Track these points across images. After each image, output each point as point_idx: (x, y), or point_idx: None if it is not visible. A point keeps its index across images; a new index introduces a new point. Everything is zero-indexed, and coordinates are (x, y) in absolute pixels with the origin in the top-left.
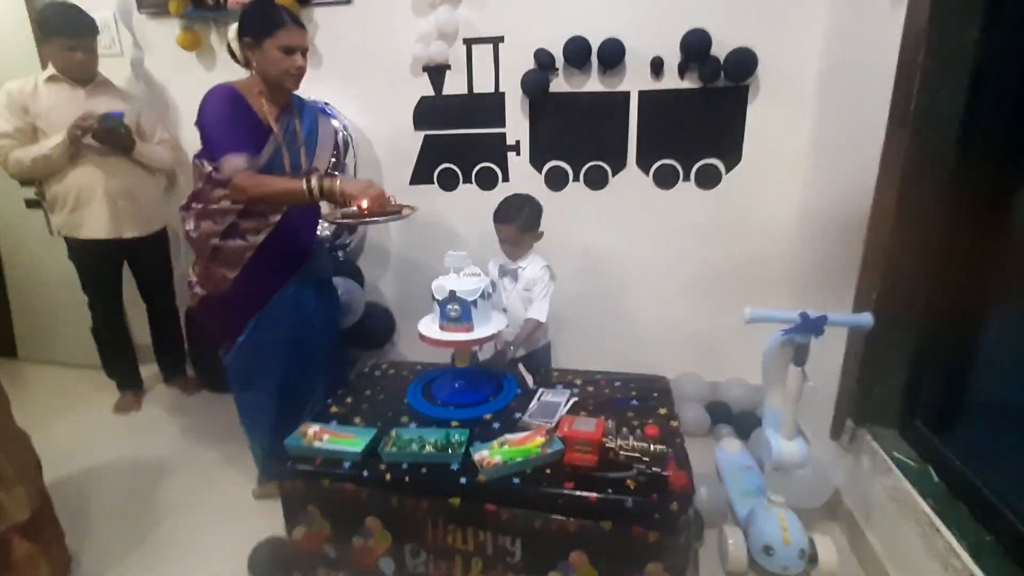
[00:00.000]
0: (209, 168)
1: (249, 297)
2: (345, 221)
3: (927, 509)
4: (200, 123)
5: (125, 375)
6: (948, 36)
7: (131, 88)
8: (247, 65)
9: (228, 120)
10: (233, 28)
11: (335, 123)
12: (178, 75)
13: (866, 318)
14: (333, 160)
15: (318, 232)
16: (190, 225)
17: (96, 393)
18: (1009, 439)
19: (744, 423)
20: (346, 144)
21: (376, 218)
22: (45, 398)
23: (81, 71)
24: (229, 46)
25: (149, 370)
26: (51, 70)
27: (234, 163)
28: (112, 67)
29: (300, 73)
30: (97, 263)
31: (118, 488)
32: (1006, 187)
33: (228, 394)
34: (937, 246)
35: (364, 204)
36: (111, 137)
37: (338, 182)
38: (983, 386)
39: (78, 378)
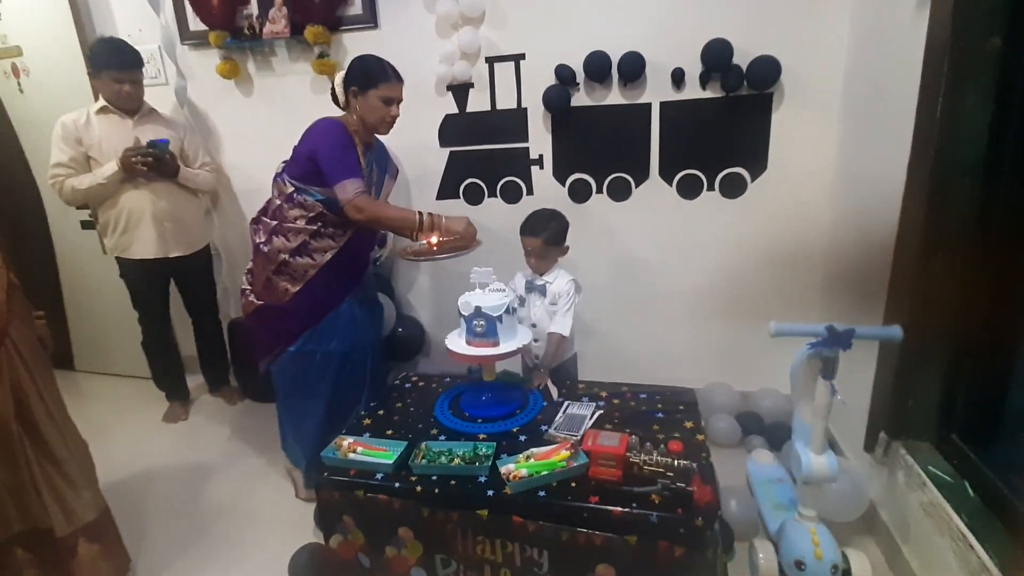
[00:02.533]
0: (291, 188)
1: (306, 310)
2: (418, 259)
3: (961, 525)
4: (310, 148)
5: (173, 386)
6: (972, 44)
7: (175, 115)
8: (346, 107)
9: (344, 148)
10: (340, 75)
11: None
12: (218, 102)
13: (895, 331)
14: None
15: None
16: (261, 238)
17: (147, 403)
18: None
19: (776, 434)
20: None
21: (446, 254)
22: (99, 408)
23: (128, 101)
24: (333, 89)
25: (195, 381)
26: (101, 102)
27: (355, 186)
28: (158, 96)
29: (394, 121)
30: (146, 281)
31: (168, 494)
32: None
33: (269, 403)
34: (970, 255)
35: (434, 240)
36: (158, 164)
37: (444, 219)
38: (1021, 397)
39: (130, 388)
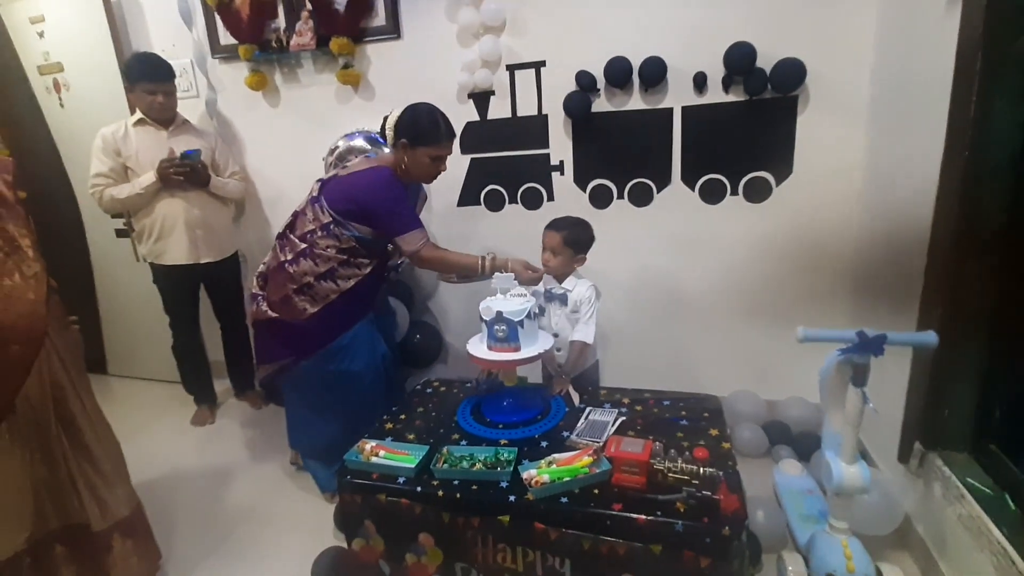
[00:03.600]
0: (330, 218)
1: (321, 330)
2: (461, 282)
3: (1002, 539)
4: (366, 200)
5: (201, 390)
6: (1005, 43)
7: (206, 126)
8: (393, 147)
9: (402, 200)
10: (394, 115)
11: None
12: (246, 113)
13: (930, 336)
14: None
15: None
16: (287, 256)
17: (176, 406)
18: None
19: (804, 444)
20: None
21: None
22: (130, 411)
23: (162, 112)
24: (384, 127)
25: (221, 385)
26: (138, 114)
27: (420, 237)
28: (190, 108)
29: (438, 174)
30: (178, 286)
31: (197, 496)
32: None
33: None
34: (1007, 258)
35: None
36: (190, 173)
37: (509, 262)
38: None
39: (160, 392)
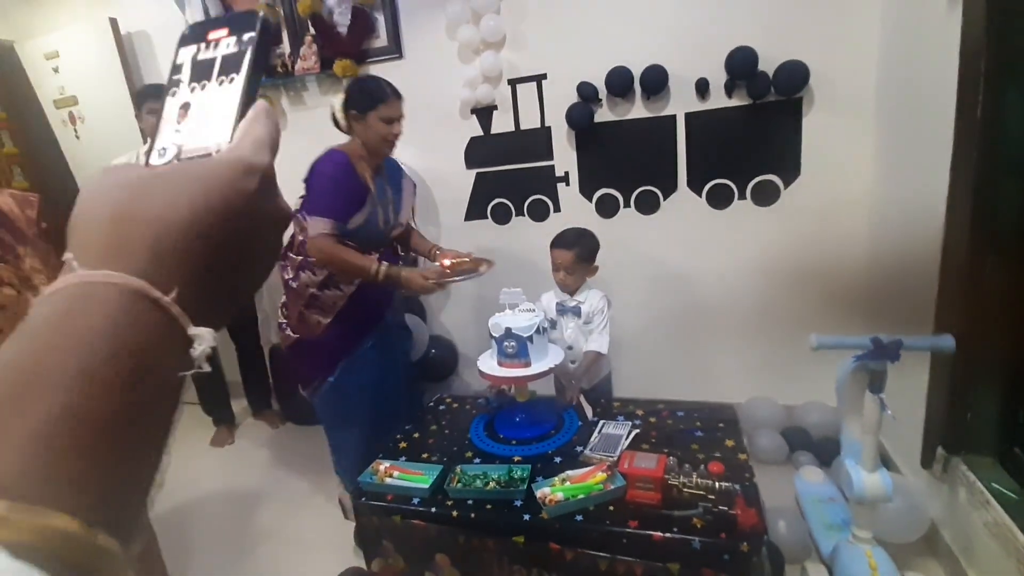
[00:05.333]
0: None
1: (339, 340)
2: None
3: None
4: (308, 180)
5: (220, 411)
6: (1009, 40)
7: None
8: (348, 131)
9: (332, 186)
10: (338, 99)
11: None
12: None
13: (947, 340)
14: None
15: None
16: (289, 274)
17: (195, 427)
18: None
19: (825, 449)
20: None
21: (455, 278)
22: None
23: None
24: (333, 115)
25: (238, 405)
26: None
27: (318, 226)
28: None
29: (396, 140)
30: None
31: (217, 517)
32: None
33: (310, 426)
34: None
35: (447, 263)
36: None
37: (403, 271)
38: None
39: (180, 414)
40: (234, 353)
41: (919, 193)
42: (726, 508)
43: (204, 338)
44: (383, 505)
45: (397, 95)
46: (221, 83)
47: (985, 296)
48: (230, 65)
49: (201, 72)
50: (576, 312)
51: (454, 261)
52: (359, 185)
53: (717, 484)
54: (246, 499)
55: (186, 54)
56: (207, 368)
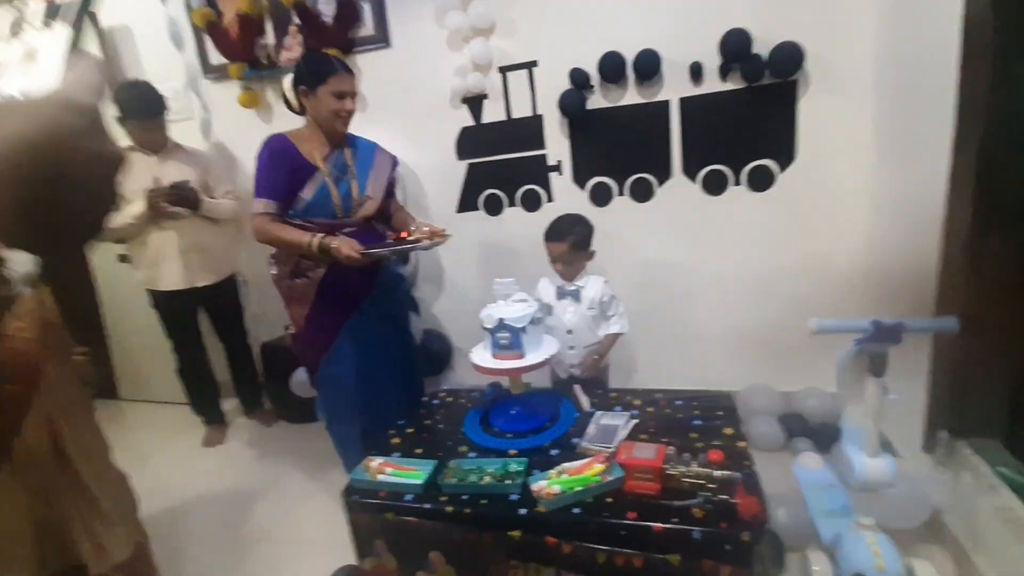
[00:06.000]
0: None
1: (320, 332)
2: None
3: None
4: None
5: (210, 411)
6: (1018, 9)
7: (197, 148)
8: (302, 112)
9: (265, 168)
10: (288, 79)
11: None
12: (240, 131)
13: (950, 321)
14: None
15: (390, 267)
16: (273, 271)
17: (186, 428)
18: None
19: (823, 435)
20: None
21: (397, 247)
22: (141, 435)
23: (153, 144)
24: (284, 96)
25: (230, 404)
26: (129, 142)
27: (256, 206)
28: (185, 130)
29: (349, 116)
30: (176, 311)
31: (210, 518)
32: None
33: (303, 424)
34: None
35: (404, 234)
36: (180, 200)
37: (335, 241)
38: None
39: (170, 415)
40: (223, 352)
41: (919, 174)
42: (727, 497)
43: (16, 260)
44: (375, 503)
45: (347, 70)
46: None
47: (989, 276)
48: (57, 12)
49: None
50: (575, 296)
51: (404, 233)
52: (299, 164)
53: (717, 473)
54: (239, 499)
55: None
56: (27, 290)
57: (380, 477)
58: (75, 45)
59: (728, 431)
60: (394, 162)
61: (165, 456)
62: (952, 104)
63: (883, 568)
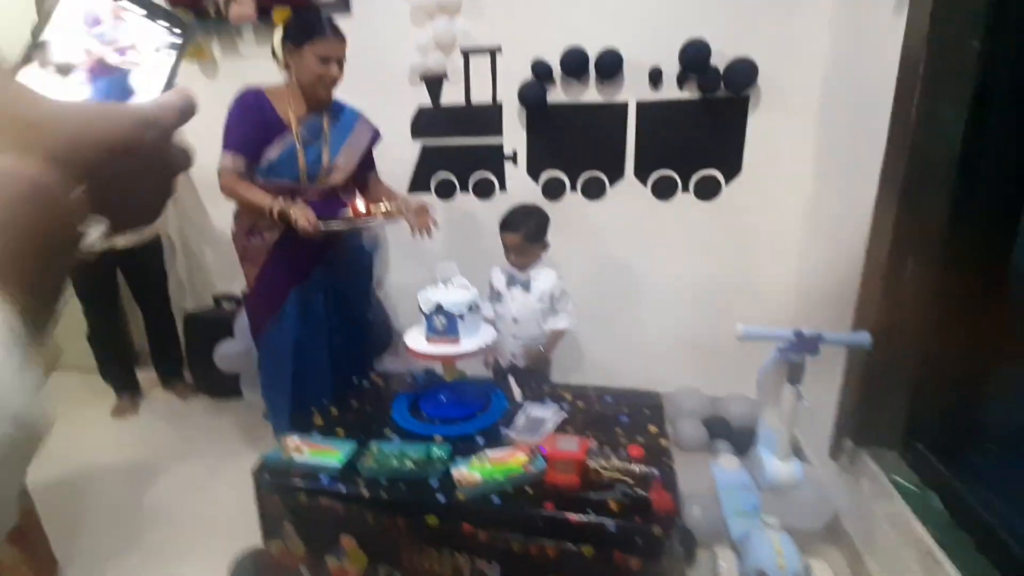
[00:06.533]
0: None
1: (267, 294)
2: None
3: (928, 538)
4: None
5: (122, 380)
6: (949, 47)
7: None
8: (286, 67)
9: (235, 121)
10: (279, 32)
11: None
12: (182, 85)
13: (863, 337)
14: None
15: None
16: (233, 227)
17: (95, 397)
18: (1018, 465)
19: (743, 439)
20: None
21: (354, 222)
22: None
23: None
24: (273, 49)
25: (148, 375)
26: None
27: (222, 161)
28: None
29: (332, 82)
30: (90, 272)
31: (110, 493)
32: (1011, 201)
33: (224, 399)
34: (940, 260)
35: (359, 207)
36: None
37: (294, 209)
38: (990, 407)
39: (76, 382)
40: (141, 318)
41: (851, 197)
42: (643, 492)
43: (93, 222)
44: (287, 484)
45: (337, 33)
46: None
47: (901, 297)
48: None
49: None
50: (526, 286)
51: (370, 206)
52: (270, 120)
53: (636, 468)
54: (144, 476)
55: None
56: (97, 245)
57: (296, 457)
58: (174, 76)
59: (652, 429)
60: (375, 135)
61: (66, 425)
62: (885, 131)
63: (784, 567)
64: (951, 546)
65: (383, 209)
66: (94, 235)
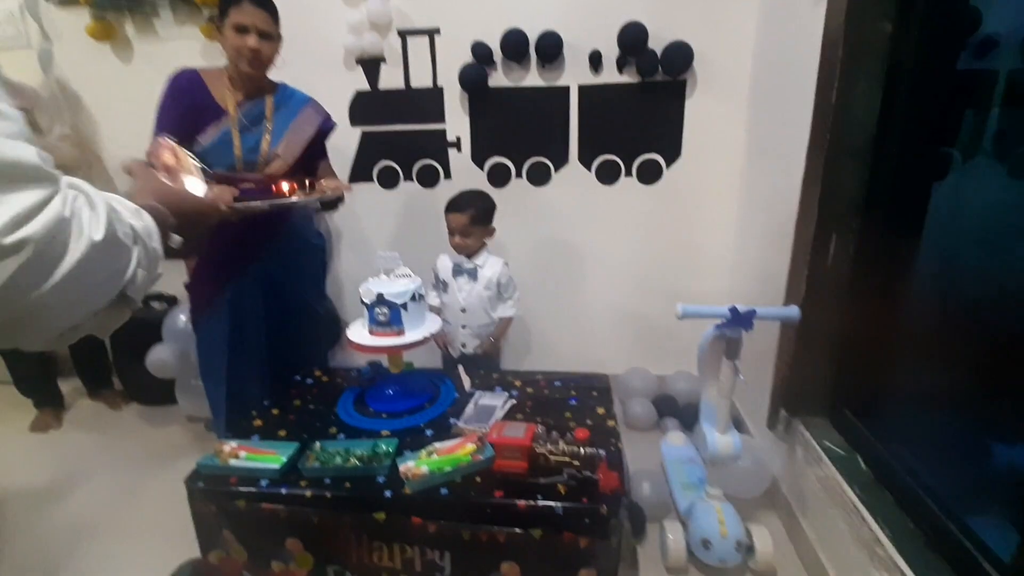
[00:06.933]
0: None
1: (204, 285)
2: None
3: (854, 498)
4: None
5: (42, 392)
6: (864, 32)
7: (37, 82)
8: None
9: (166, 104)
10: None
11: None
12: (91, 67)
13: (793, 311)
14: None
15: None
16: None
17: (10, 411)
18: (930, 427)
19: (690, 415)
20: None
21: (272, 201)
22: None
23: None
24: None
25: (71, 385)
26: None
27: (150, 147)
28: (19, 60)
29: (253, 56)
30: None
31: (33, 512)
32: (924, 178)
33: (157, 407)
34: (859, 236)
35: (284, 187)
36: None
37: (215, 190)
38: (906, 374)
39: None
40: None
41: (780, 175)
42: (589, 473)
43: (174, 238)
44: (223, 490)
45: (256, 2)
46: None
47: (826, 272)
48: None
49: None
50: (472, 275)
51: (285, 187)
52: (205, 103)
53: (582, 450)
54: (68, 491)
55: None
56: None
57: (232, 462)
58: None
59: (600, 411)
60: (323, 122)
61: None
62: (809, 113)
63: (726, 534)
64: (873, 504)
65: (306, 190)
66: (177, 240)
